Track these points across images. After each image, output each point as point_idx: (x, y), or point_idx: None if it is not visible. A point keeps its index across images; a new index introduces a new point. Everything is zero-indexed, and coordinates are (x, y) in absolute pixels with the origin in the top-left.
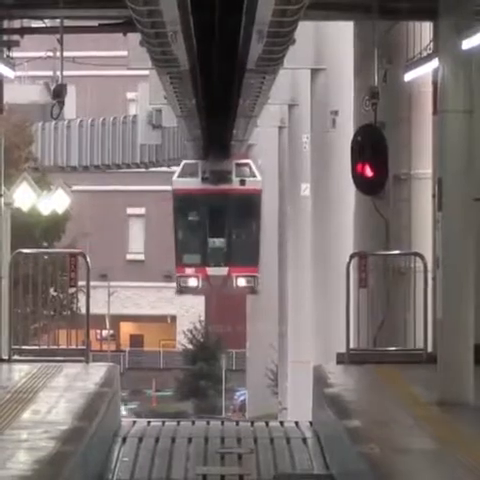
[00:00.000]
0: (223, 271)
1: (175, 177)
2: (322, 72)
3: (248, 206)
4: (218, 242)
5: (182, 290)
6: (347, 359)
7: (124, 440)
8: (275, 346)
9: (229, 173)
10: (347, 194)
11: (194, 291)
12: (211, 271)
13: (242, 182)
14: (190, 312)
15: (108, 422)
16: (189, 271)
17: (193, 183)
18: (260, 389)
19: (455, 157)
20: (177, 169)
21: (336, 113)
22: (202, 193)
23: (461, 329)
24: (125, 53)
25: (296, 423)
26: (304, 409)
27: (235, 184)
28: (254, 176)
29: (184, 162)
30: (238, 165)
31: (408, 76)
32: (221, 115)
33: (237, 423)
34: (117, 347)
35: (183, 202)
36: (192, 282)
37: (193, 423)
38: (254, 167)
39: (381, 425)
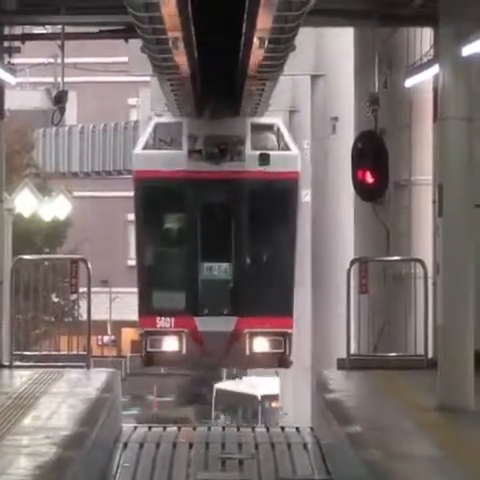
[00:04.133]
0: (227, 324)
1: (138, 149)
2: (322, 78)
3: (274, 204)
4: (218, 270)
5: (150, 359)
6: (348, 365)
7: (125, 446)
8: None
9: (240, 142)
10: (347, 200)
11: (173, 361)
12: (205, 324)
13: (264, 159)
14: None
15: (109, 428)
16: (164, 323)
17: (172, 161)
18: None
19: (455, 163)
20: (143, 135)
21: (336, 119)
22: (190, 180)
23: (462, 335)
24: (126, 59)
25: (297, 428)
26: (304, 414)
27: (251, 163)
28: (285, 149)
29: (156, 121)
30: (256, 127)
31: (408, 82)
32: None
33: (238, 428)
34: (118, 353)
35: (153, 196)
36: (169, 344)
37: (194, 429)
38: (285, 132)
39: (382, 431)
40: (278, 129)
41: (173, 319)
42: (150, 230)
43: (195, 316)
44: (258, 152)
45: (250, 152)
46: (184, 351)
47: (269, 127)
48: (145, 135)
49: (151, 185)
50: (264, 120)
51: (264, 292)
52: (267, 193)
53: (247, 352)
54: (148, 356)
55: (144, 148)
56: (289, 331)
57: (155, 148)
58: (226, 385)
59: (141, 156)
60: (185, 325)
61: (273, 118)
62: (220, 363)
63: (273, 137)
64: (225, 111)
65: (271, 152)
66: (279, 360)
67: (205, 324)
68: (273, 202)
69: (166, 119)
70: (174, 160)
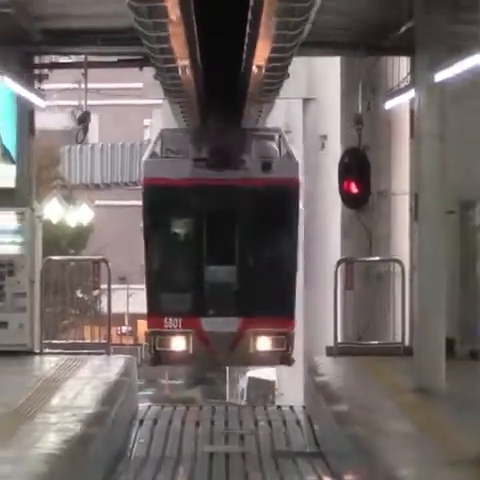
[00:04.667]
0: (231, 324)
1: (146, 156)
2: (313, 101)
3: (276, 209)
4: (223, 273)
5: (158, 357)
6: (335, 352)
7: (141, 423)
8: None
9: (243, 151)
10: (334, 207)
11: (180, 359)
12: (210, 325)
13: (266, 166)
14: None
15: (127, 407)
16: (171, 324)
17: (178, 168)
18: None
19: (429, 175)
20: (151, 143)
21: (325, 137)
22: (195, 186)
23: (434, 325)
24: (141, 85)
25: (291, 407)
26: (297, 395)
27: (254, 171)
28: (287, 156)
29: (163, 131)
30: (259, 136)
31: (388, 105)
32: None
33: (239, 407)
34: (135, 341)
35: (161, 202)
36: (177, 344)
37: (201, 408)
38: (286, 141)
39: (365, 410)
40: (280, 137)
41: (180, 320)
42: (157, 235)
43: (201, 317)
44: (261, 160)
45: (253, 160)
46: (191, 350)
47: (271, 135)
48: (153, 144)
49: (158, 192)
50: (266, 129)
51: (267, 294)
52: (269, 199)
53: (251, 351)
54: (156, 355)
55: (151, 156)
56: (291, 331)
57: (162, 157)
58: (255, 373)
59: (150, 164)
60: (191, 325)
61: (275, 127)
62: (225, 362)
63: (275, 145)
64: (228, 124)
65: (273, 160)
66: (281, 358)
67: (210, 324)
68: (275, 207)
69: (172, 129)
70: (180, 168)
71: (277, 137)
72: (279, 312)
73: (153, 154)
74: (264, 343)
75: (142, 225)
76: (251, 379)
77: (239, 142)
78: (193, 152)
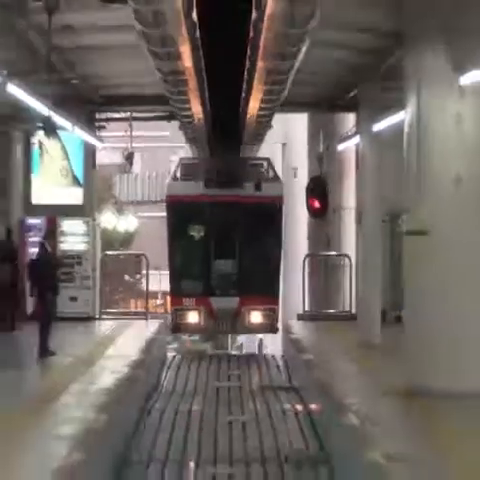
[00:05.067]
0: (232, 303)
1: (169, 179)
2: (288, 144)
3: (265, 218)
4: (226, 265)
5: (178, 327)
6: (303, 317)
7: (169, 367)
8: None
9: (240, 174)
10: (303, 217)
11: (194, 329)
12: (217, 303)
13: (258, 186)
14: None
15: (159, 356)
16: (188, 302)
17: (194, 188)
18: (251, 336)
19: (369, 195)
20: (173, 169)
21: (296, 169)
22: (206, 201)
23: (372, 300)
24: (168, 133)
25: (273, 356)
26: (278, 347)
27: (249, 189)
28: (274, 178)
29: (182, 159)
30: (253, 165)
31: (341, 146)
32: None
33: (237, 356)
34: (165, 311)
35: (180, 213)
36: (192, 317)
37: (211, 357)
38: (274, 166)
39: (323, 356)
40: (268, 164)
41: (194, 300)
42: (177, 237)
43: (210, 297)
44: (254, 181)
45: (248, 182)
46: (202, 322)
47: (262, 163)
48: (174, 170)
49: (179, 205)
50: (258, 158)
51: (258, 280)
52: (260, 211)
53: (246, 323)
54: (176, 326)
55: (174, 179)
56: (276, 308)
57: (181, 179)
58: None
59: (172, 185)
60: (203, 304)
61: (265, 157)
62: (227, 331)
63: (265, 170)
64: (229, 155)
65: (263, 182)
66: (269, 328)
67: (217, 303)
68: (265, 217)
69: (188, 158)
70: (194, 187)
71: (266, 164)
72: (267, 294)
73: (174, 177)
74: (256, 317)
75: (166, 230)
76: (246, 336)
77: (237, 168)
78: (204, 176)
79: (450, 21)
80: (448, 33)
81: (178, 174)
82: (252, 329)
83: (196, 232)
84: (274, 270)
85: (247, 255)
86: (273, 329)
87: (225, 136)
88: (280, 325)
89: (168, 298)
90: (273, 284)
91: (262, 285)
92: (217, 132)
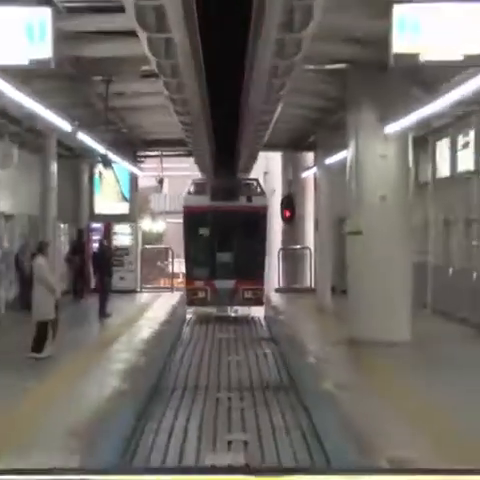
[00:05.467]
0: (230, 284)
1: (185, 194)
2: (269, 173)
3: (254, 222)
4: (226, 257)
5: (191, 302)
6: (279, 291)
7: (187, 325)
8: None
9: (236, 191)
10: (279, 222)
11: (203, 303)
12: (219, 284)
13: (249, 199)
14: None
15: (181, 316)
16: (198, 284)
17: (202, 200)
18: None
19: (323, 207)
20: (187, 187)
21: (274, 190)
22: (211, 210)
23: (325, 279)
24: (188, 165)
25: (259, 317)
26: (261, 312)
27: (242, 201)
28: (261, 193)
29: (194, 180)
30: (245, 184)
31: (304, 174)
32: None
33: (234, 317)
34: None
35: (193, 218)
36: (201, 294)
37: (215, 318)
38: (261, 185)
39: (292, 317)
40: (257, 183)
41: (203, 282)
42: (190, 236)
43: (214, 280)
44: (246, 195)
45: (242, 196)
46: (209, 298)
47: (251, 183)
48: (188, 187)
49: (192, 213)
50: (250, 179)
51: (250, 268)
52: (251, 217)
53: (241, 298)
54: (190, 301)
55: (188, 194)
56: (262, 288)
57: (194, 194)
58: None
59: (187, 198)
60: (209, 285)
61: (255, 178)
62: (227, 304)
63: (254, 187)
64: (228, 177)
65: (252, 195)
66: (258, 301)
67: (219, 284)
68: (254, 222)
69: (198, 178)
70: (203, 200)
71: (256, 183)
72: (256, 277)
73: (188, 193)
74: (248, 294)
75: (182, 231)
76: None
77: (234, 186)
78: (210, 191)
79: (376, 92)
80: (375, 99)
81: (191, 190)
82: (245, 303)
83: (204, 232)
84: (261, 260)
85: (241, 249)
86: (260, 302)
87: (225, 166)
88: (264, 298)
89: None
90: (260, 270)
91: (252, 271)
92: (220, 164)
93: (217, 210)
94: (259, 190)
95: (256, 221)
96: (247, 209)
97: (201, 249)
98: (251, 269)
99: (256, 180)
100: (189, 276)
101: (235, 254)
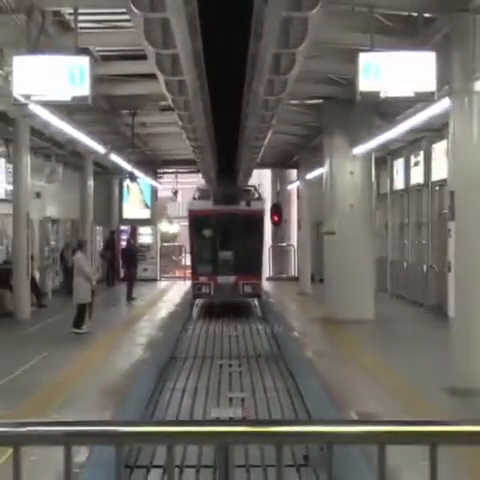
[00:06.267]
0: (231, 279)
1: (191, 200)
2: (261, 185)
3: (252, 224)
4: (227, 255)
5: (197, 295)
6: (270, 279)
7: (196, 307)
8: None
9: (236, 196)
10: (269, 225)
11: (207, 296)
12: (221, 279)
13: (248, 203)
14: None
15: (190, 301)
16: (203, 279)
17: (206, 205)
18: None
19: (305, 212)
20: (193, 193)
21: (266, 199)
22: (213, 213)
23: (306, 269)
24: (197, 179)
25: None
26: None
27: (242, 205)
28: (258, 199)
29: (198, 187)
30: (244, 190)
31: (289, 187)
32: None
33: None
34: None
35: (197, 221)
36: (205, 289)
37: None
38: (259, 191)
39: (280, 300)
40: (255, 189)
41: (207, 277)
42: (196, 237)
43: (217, 276)
44: (245, 200)
45: (241, 200)
46: (212, 292)
47: (250, 189)
48: (194, 193)
49: (197, 216)
50: (249, 185)
51: (249, 265)
52: (250, 219)
53: (241, 292)
54: (195, 294)
55: (193, 199)
56: (260, 282)
57: (198, 199)
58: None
59: (192, 203)
60: (212, 280)
61: (253, 184)
62: (229, 297)
63: (252, 193)
64: (229, 184)
65: (251, 200)
66: (256, 295)
67: (221, 279)
68: (253, 223)
69: (202, 185)
70: (206, 204)
71: (254, 190)
72: (254, 273)
73: (193, 198)
74: (247, 288)
75: (188, 233)
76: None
77: (234, 192)
78: (213, 197)
79: (346, 121)
80: (345, 127)
81: (196, 196)
82: (244, 296)
83: (207, 233)
84: (258, 258)
85: (241, 248)
86: (258, 295)
87: (226, 181)
88: (262, 291)
89: None
90: (258, 267)
91: (251, 267)
92: (222, 178)
93: (219, 213)
94: (257, 195)
95: (254, 223)
96: (246, 212)
97: (205, 248)
98: (250, 266)
99: (254, 187)
100: (194, 272)
101: (235, 252)
